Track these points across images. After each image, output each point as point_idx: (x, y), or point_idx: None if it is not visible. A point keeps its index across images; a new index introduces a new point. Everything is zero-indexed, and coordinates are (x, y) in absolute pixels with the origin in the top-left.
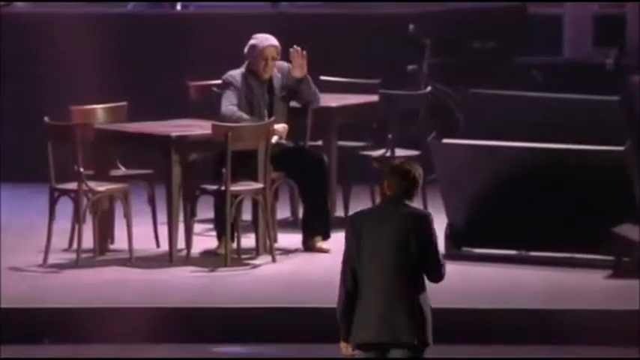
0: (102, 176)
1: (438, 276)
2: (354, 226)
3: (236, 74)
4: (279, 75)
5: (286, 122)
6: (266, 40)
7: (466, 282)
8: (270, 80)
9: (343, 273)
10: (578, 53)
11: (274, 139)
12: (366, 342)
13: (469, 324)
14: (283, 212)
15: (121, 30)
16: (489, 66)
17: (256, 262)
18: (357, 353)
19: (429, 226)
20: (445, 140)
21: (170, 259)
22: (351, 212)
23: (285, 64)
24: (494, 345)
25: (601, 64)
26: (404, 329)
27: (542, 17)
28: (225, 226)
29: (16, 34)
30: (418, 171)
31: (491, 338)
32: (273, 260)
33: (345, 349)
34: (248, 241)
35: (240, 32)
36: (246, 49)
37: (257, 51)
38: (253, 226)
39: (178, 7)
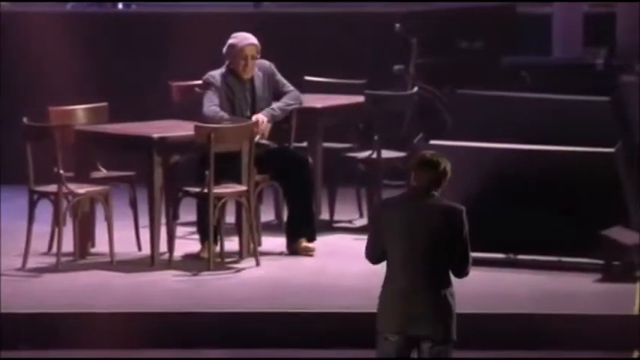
0: (82, 178)
1: (463, 272)
2: (383, 214)
3: (216, 74)
4: (260, 74)
5: (269, 122)
6: (245, 39)
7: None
8: (252, 80)
9: (372, 259)
10: (567, 53)
11: (257, 137)
12: (392, 331)
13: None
14: (267, 215)
15: (102, 29)
16: (477, 66)
17: (240, 265)
18: None
19: (461, 220)
20: (432, 141)
21: (152, 262)
22: (337, 215)
23: (266, 63)
24: (481, 350)
25: (591, 64)
26: (427, 321)
27: (532, 17)
28: (208, 229)
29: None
30: (447, 163)
31: (479, 343)
32: (257, 264)
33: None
34: (232, 244)
35: (223, 32)
36: (225, 49)
37: (236, 50)
38: (237, 229)
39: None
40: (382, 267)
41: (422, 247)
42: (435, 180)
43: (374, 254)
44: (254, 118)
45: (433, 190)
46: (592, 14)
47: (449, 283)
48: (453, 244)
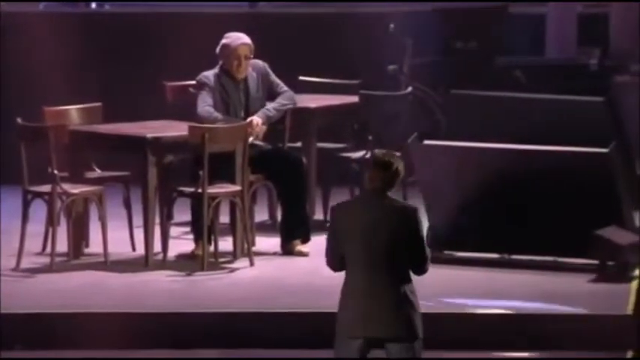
0: (76, 178)
1: (422, 270)
2: (339, 216)
3: (210, 74)
4: (254, 74)
5: (264, 124)
6: (238, 38)
7: (447, 286)
8: (246, 80)
9: (332, 260)
10: (561, 53)
11: (250, 139)
12: (355, 334)
13: (450, 329)
14: (261, 215)
15: (96, 30)
16: (471, 66)
17: (234, 265)
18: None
19: (416, 219)
20: (426, 142)
21: (146, 262)
22: None
23: (260, 63)
24: (476, 350)
25: (585, 64)
26: (391, 322)
27: (526, 17)
28: (202, 229)
29: None
30: (399, 162)
31: (473, 343)
32: (252, 264)
33: None
34: (226, 244)
35: (218, 32)
36: (218, 49)
37: (229, 50)
38: (231, 229)
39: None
40: None
41: (381, 248)
42: (388, 180)
43: (335, 259)
44: (250, 120)
45: (387, 191)
46: (586, 14)
47: (409, 282)
48: (411, 243)
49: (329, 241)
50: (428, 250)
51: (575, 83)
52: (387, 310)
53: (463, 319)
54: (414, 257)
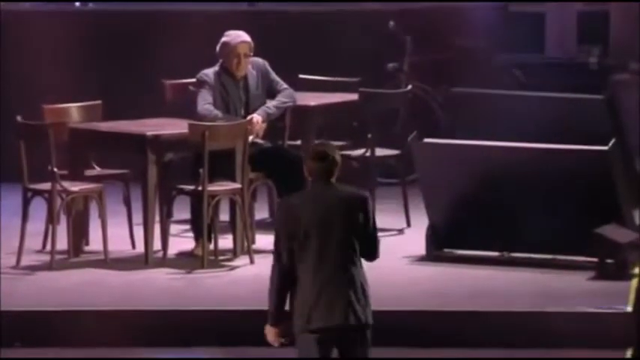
0: (76, 176)
1: (374, 255)
2: (288, 210)
3: (210, 73)
4: (254, 72)
5: (264, 122)
6: (238, 36)
7: (447, 284)
8: (246, 78)
9: (280, 253)
10: (561, 51)
11: (250, 137)
12: (319, 327)
13: (450, 327)
14: (261, 213)
15: (95, 27)
16: (471, 64)
17: (234, 263)
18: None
19: (367, 205)
20: (426, 140)
21: (146, 260)
22: None
23: (260, 61)
24: (475, 348)
25: (584, 62)
26: (347, 311)
27: (525, 15)
28: (202, 227)
29: None
30: (335, 152)
31: (473, 341)
32: (252, 262)
33: (273, 335)
34: (226, 242)
35: (217, 30)
36: (218, 47)
37: (229, 48)
38: (231, 227)
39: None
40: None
41: (334, 237)
42: (327, 171)
43: (288, 256)
44: (250, 118)
45: (330, 180)
46: (586, 12)
47: (362, 269)
48: (363, 229)
49: (280, 242)
50: (378, 236)
51: (574, 81)
52: (345, 299)
53: (462, 316)
54: (366, 243)
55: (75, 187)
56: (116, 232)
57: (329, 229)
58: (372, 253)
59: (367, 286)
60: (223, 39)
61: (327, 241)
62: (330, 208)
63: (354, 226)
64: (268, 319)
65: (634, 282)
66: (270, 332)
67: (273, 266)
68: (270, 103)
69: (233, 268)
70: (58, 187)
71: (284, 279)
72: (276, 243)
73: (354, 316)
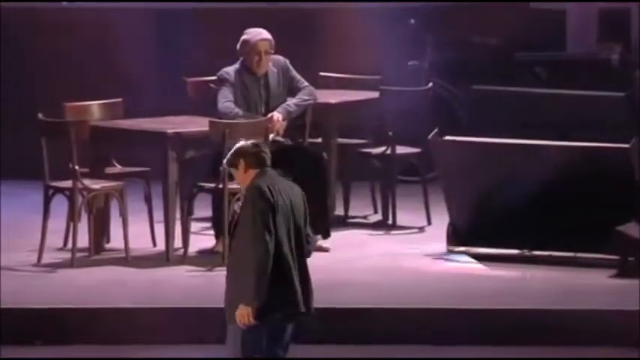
0: (97, 174)
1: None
2: (270, 197)
3: (230, 70)
4: (274, 70)
5: (285, 120)
6: (258, 34)
7: (468, 282)
8: (266, 76)
9: (266, 240)
10: (582, 49)
11: (271, 136)
12: (300, 311)
13: (471, 324)
14: None
15: (117, 25)
16: (492, 62)
17: None
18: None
19: (304, 196)
20: (447, 137)
21: (167, 258)
22: (351, 211)
23: (281, 59)
24: (497, 346)
25: (606, 59)
26: (308, 297)
27: (546, 12)
28: (222, 224)
29: (9, 29)
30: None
31: (494, 339)
32: None
33: (246, 317)
34: None
35: (239, 28)
36: (238, 45)
37: (249, 46)
38: None
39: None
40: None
41: (301, 225)
42: (257, 160)
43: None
44: (270, 115)
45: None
46: (607, 10)
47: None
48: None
49: (267, 222)
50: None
51: (596, 79)
52: (307, 287)
53: (483, 314)
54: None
55: (96, 184)
56: (137, 229)
57: (297, 215)
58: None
59: None
60: (243, 37)
61: (298, 228)
62: (294, 197)
63: (306, 214)
64: (252, 298)
65: None
66: (248, 312)
67: (265, 238)
68: (291, 101)
69: None
70: (80, 185)
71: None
72: (264, 224)
73: (309, 302)
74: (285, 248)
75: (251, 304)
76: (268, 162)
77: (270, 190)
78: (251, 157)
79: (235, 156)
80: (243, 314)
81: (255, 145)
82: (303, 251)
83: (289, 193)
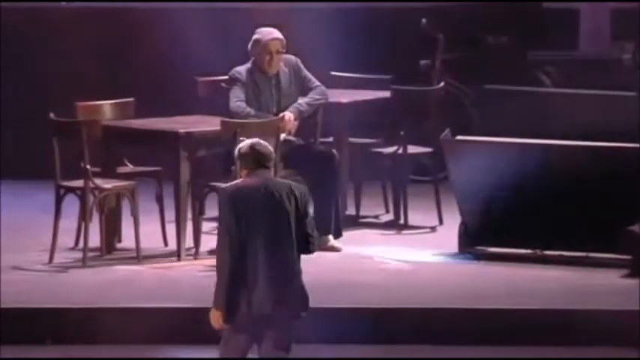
0: (109, 173)
1: (309, 248)
2: (232, 200)
3: (242, 70)
4: (286, 69)
5: (296, 120)
6: (269, 33)
7: (479, 282)
8: (278, 75)
9: (229, 241)
10: (595, 48)
11: (282, 135)
12: (260, 313)
13: (481, 324)
14: None
15: (128, 24)
16: (503, 61)
17: None
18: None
19: (303, 196)
20: (458, 137)
21: (178, 257)
22: (362, 211)
23: (292, 58)
24: (506, 346)
25: (618, 59)
26: (287, 299)
27: (559, 11)
28: None
29: (20, 28)
30: (253, 144)
31: (506, 339)
32: None
33: (217, 321)
34: None
35: (248, 28)
36: (250, 45)
37: (261, 45)
38: None
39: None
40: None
41: (275, 227)
42: (255, 162)
43: (234, 243)
44: (282, 115)
45: (264, 170)
46: (619, 9)
47: (299, 259)
48: (300, 220)
49: (228, 225)
50: (313, 228)
51: (608, 78)
52: (283, 287)
53: (494, 314)
54: (301, 235)
55: (107, 184)
56: (148, 229)
57: (268, 218)
58: (306, 245)
59: (300, 275)
60: (255, 36)
61: (267, 231)
62: (269, 199)
63: (290, 216)
64: (215, 301)
65: None
66: (217, 316)
67: (223, 243)
68: (302, 101)
69: None
70: (91, 185)
71: (233, 265)
72: (224, 227)
73: (286, 304)
74: (249, 248)
75: (217, 307)
76: (264, 162)
77: (233, 193)
78: (244, 157)
79: (235, 157)
80: (213, 318)
81: (251, 146)
82: (282, 248)
83: (269, 192)
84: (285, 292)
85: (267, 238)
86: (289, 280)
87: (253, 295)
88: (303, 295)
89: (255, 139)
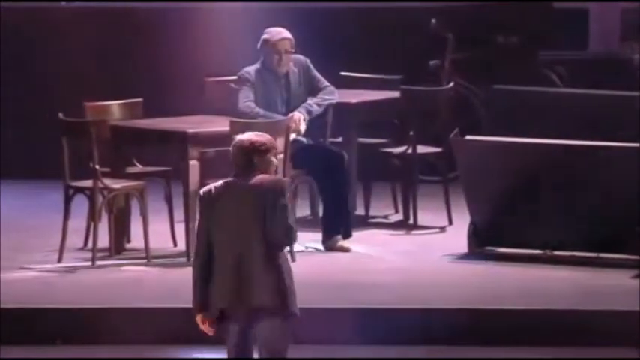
0: (118, 173)
1: (283, 241)
2: (207, 199)
3: (251, 70)
4: (295, 69)
5: (305, 120)
6: (278, 33)
7: (489, 282)
8: (287, 75)
9: (198, 244)
10: (604, 48)
11: (292, 135)
12: (226, 307)
13: (492, 325)
14: (303, 211)
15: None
16: (513, 61)
17: None
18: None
19: (276, 190)
20: (468, 137)
21: (187, 258)
22: (372, 211)
23: (302, 58)
24: (517, 346)
25: (628, 59)
26: (260, 294)
27: (568, 11)
28: None
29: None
30: (255, 140)
31: (515, 339)
32: (293, 259)
33: (202, 322)
34: None
35: (259, 27)
36: (259, 45)
37: (270, 45)
38: None
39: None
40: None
41: (248, 224)
42: (246, 161)
43: (204, 240)
44: (291, 115)
45: (253, 171)
46: (629, 9)
47: (278, 255)
48: (273, 213)
49: (199, 227)
50: (291, 222)
51: (618, 78)
52: (257, 283)
53: (503, 314)
54: (274, 228)
55: (116, 184)
56: (157, 229)
57: (241, 215)
58: (281, 239)
59: (287, 273)
60: (264, 36)
61: (240, 228)
62: (244, 197)
63: (264, 211)
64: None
65: None
66: (199, 318)
67: (198, 244)
68: (312, 101)
69: None
70: (100, 185)
71: (204, 266)
72: (198, 227)
73: (259, 299)
74: (216, 250)
75: (194, 310)
76: (244, 162)
77: (205, 194)
78: (232, 157)
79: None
80: (198, 321)
81: (233, 145)
82: (251, 246)
83: (239, 190)
84: (253, 288)
85: (237, 237)
86: (258, 276)
87: (221, 292)
88: (281, 292)
89: (240, 135)
